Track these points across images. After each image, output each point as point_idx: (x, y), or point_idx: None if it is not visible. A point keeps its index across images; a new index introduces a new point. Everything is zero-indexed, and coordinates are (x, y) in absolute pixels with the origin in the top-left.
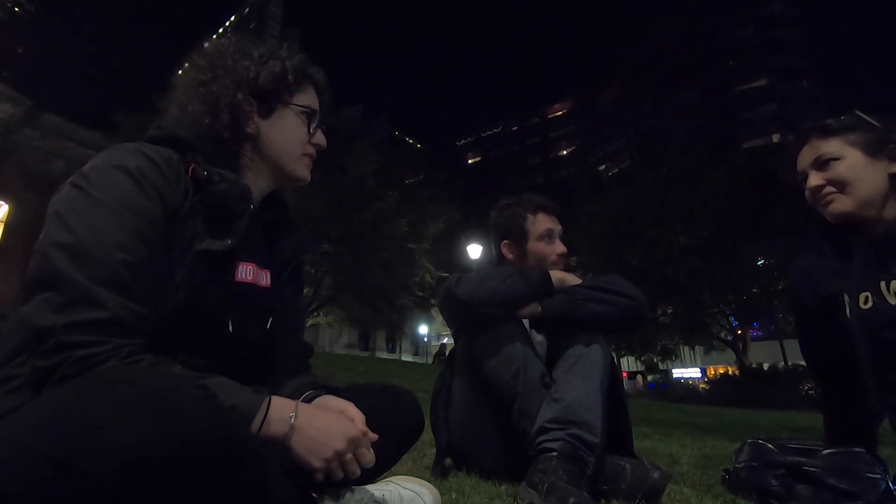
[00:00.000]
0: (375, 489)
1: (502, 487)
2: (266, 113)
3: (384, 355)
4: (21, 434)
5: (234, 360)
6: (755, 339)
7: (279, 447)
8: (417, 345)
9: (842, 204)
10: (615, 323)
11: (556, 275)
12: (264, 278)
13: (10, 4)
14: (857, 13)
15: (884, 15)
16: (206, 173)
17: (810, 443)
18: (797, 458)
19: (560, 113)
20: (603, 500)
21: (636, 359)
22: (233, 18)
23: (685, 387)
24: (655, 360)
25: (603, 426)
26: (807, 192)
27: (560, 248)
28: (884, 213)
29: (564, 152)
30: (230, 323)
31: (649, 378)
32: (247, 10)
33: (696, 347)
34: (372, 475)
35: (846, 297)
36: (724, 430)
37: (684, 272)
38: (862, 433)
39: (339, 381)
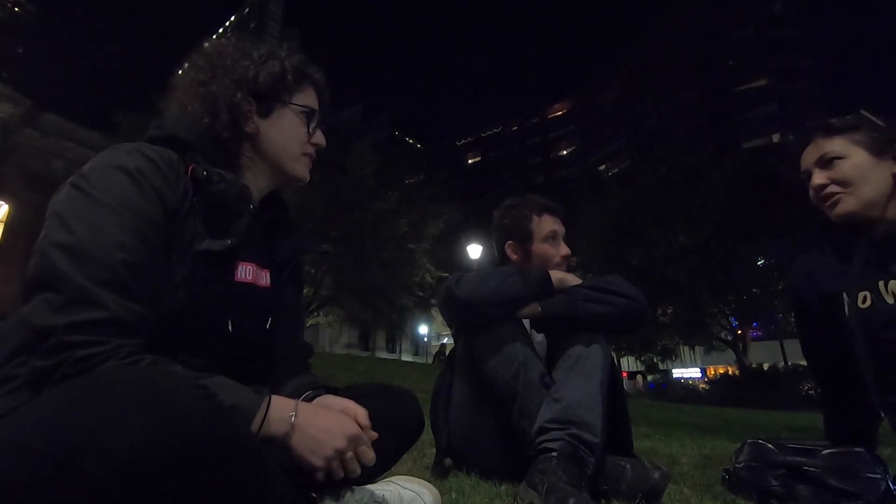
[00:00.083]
0: (375, 489)
1: (502, 487)
2: (265, 113)
3: (384, 355)
4: (21, 434)
5: (234, 359)
6: (755, 339)
7: (279, 447)
8: (417, 345)
9: (845, 204)
10: (615, 323)
11: (556, 275)
12: (264, 278)
13: (10, 4)
14: (857, 13)
15: (884, 15)
16: (205, 173)
17: (810, 443)
18: (797, 458)
19: (560, 113)
20: (603, 501)
21: (636, 359)
22: (233, 18)
23: (685, 387)
24: (655, 360)
25: (603, 426)
26: (810, 191)
27: (564, 249)
28: (886, 213)
29: (564, 152)
30: (230, 323)
31: (649, 378)
32: (247, 10)
33: (696, 347)
34: (372, 475)
35: (845, 297)
36: (724, 430)
37: (684, 272)
38: (862, 433)
39: (339, 381)
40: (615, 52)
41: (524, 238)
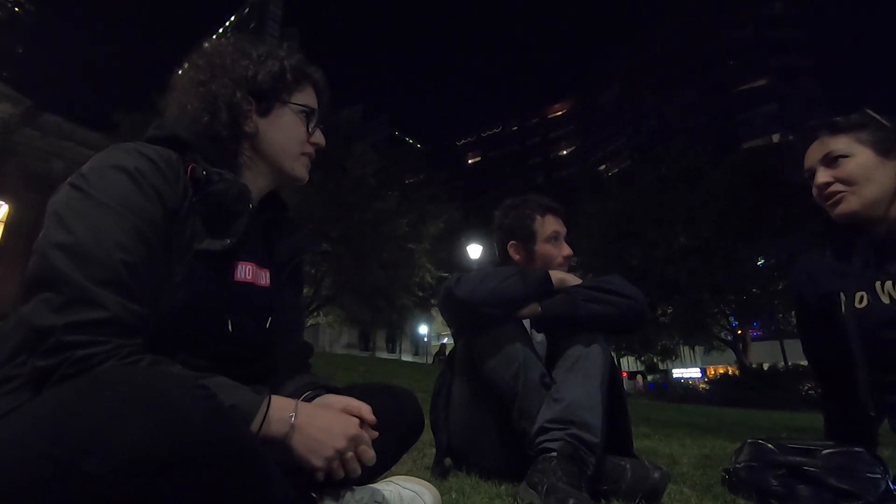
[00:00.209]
0: (375, 489)
1: (502, 487)
2: (264, 112)
3: (384, 355)
4: (21, 434)
5: (234, 359)
6: (755, 339)
7: (280, 447)
8: (417, 345)
9: (848, 203)
10: (615, 323)
11: (556, 275)
12: (264, 278)
13: (10, 4)
14: (857, 13)
15: (884, 15)
16: (205, 173)
17: (810, 443)
18: (797, 458)
19: (560, 113)
20: (603, 501)
21: (636, 359)
22: (233, 18)
23: (685, 387)
24: (655, 360)
25: (603, 426)
26: (814, 190)
27: (566, 250)
28: (888, 213)
29: (564, 152)
30: (230, 322)
31: (649, 378)
32: (247, 10)
33: (696, 347)
34: (372, 475)
35: (842, 297)
36: (724, 430)
37: (684, 272)
38: (862, 433)
39: (339, 381)
40: (615, 52)
41: (527, 238)
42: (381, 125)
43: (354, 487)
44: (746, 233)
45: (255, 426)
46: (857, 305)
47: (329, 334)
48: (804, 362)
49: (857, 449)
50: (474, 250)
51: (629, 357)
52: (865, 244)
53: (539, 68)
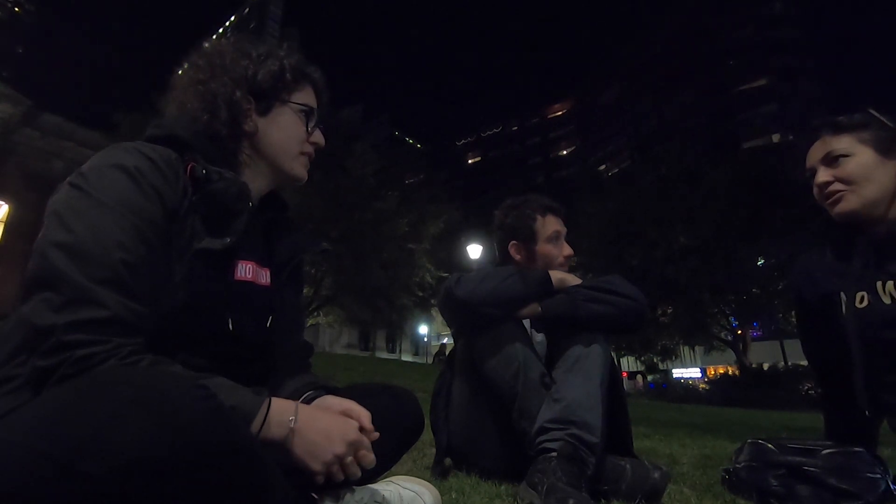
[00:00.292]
0: (376, 489)
1: (502, 487)
2: (264, 111)
3: (384, 355)
4: (21, 434)
5: (234, 359)
6: (755, 339)
7: (279, 449)
8: (417, 345)
9: (848, 202)
10: (615, 323)
11: (556, 275)
12: (264, 277)
13: (10, 4)
14: (857, 13)
15: (884, 15)
16: (204, 172)
17: (810, 443)
18: (797, 458)
19: (560, 113)
20: (603, 501)
21: (636, 359)
22: (233, 18)
23: (685, 387)
24: (655, 360)
25: (603, 426)
26: (814, 189)
27: (567, 250)
28: (889, 213)
29: (564, 152)
30: (230, 321)
31: (649, 378)
32: (247, 10)
33: (696, 347)
34: (372, 475)
35: (843, 297)
36: (724, 430)
37: (684, 272)
38: (862, 433)
39: (339, 381)
40: (615, 52)
41: (528, 238)
42: (381, 125)
43: (354, 488)
44: (746, 233)
45: (254, 428)
46: (858, 305)
47: (329, 334)
48: (804, 362)
49: (857, 449)
50: (474, 250)
51: (629, 357)
52: (866, 244)
53: (539, 68)
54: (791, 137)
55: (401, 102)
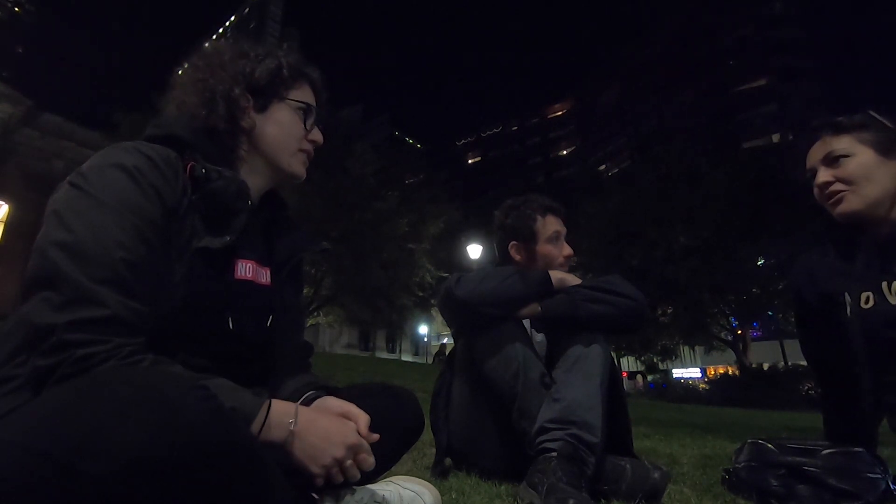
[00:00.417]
0: (376, 489)
1: (502, 487)
2: (262, 108)
3: (384, 355)
4: (21, 434)
5: (234, 359)
6: (755, 339)
7: (279, 450)
8: (417, 345)
9: (849, 203)
10: (615, 323)
11: (556, 275)
12: (264, 276)
13: (10, 4)
14: (857, 13)
15: (884, 15)
16: (203, 171)
17: (810, 443)
18: (797, 458)
19: (560, 113)
20: (603, 501)
21: (636, 359)
22: (233, 18)
23: (685, 387)
24: (655, 360)
25: (603, 426)
26: (815, 189)
27: (567, 250)
28: (891, 214)
29: (564, 152)
30: (230, 320)
31: (649, 378)
32: (247, 10)
33: (696, 347)
34: (372, 475)
35: (847, 297)
36: (724, 430)
37: (684, 272)
38: (862, 433)
39: (339, 381)
40: (615, 52)
41: (528, 239)
42: (381, 125)
43: (354, 488)
44: (746, 233)
45: (254, 430)
46: (863, 306)
47: (329, 334)
48: (804, 362)
49: (857, 449)
50: (474, 250)
51: (629, 357)
52: (869, 244)
53: (539, 68)
54: (791, 137)
55: (401, 102)
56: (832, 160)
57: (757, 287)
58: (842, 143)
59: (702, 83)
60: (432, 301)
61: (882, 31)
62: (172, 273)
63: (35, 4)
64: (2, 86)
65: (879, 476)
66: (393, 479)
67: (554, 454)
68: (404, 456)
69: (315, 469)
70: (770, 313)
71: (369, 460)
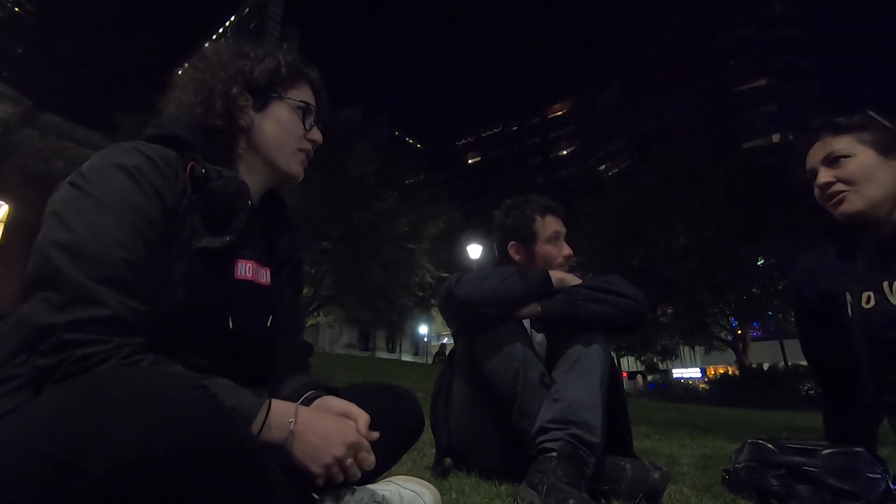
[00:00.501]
0: (376, 489)
1: (502, 487)
2: (260, 107)
3: (384, 355)
4: (21, 434)
5: (235, 359)
6: (755, 339)
7: (279, 450)
8: (417, 345)
9: (850, 203)
10: (615, 323)
11: (556, 275)
12: (264, 276)
13: (10, 4)
14: (857, 13)
15: (884, 15)
16: (203, 171)
17: (810, 443)
18: (797, 458)
19: (560, 113)
20: (603, 501)
21: (636, 359)
22: (233, 18)
23: (685, 387)
24: (655, 360)
25: (603, 426)
26: (816, 190)
27: (566, 250)
28: (892, 214)
29: (564, 152)
30: (230, 320)
31: (649, 378)
32: (247, 10)
33: (696, 347)
34: (372, 475)
35: (848, 296)
36: (724, 430)
37: (684, 272)
38: (862, 433)
39: (339, 381)
40: (615, 52)
41: (527, 239)
42: (381, 125)
43: (355, 488)
44: (746, 233)
45: (254, 430)
46: (865, 305)
47: (329, 334)
48: (804, 362)
49: (857, 449)
50: (474, 250)
51: (629, 357)
52: (870, 244)
53: (539, 68)
54: (791, 137)
55: (401, 102)
56: (832, 161)
57: (757, 287)
58: (842, 144)
59: (702, 83)
60: (432, 301)
61: (882, 31)
62: (172, 273)
63: (35, 4)
64: (2, 86)
65: (879, 476)
66: (393, 479)
67: (554, 454)
68: (404, 456)
69: (315, 469)
70: (770, 313)
71: (369, 459)
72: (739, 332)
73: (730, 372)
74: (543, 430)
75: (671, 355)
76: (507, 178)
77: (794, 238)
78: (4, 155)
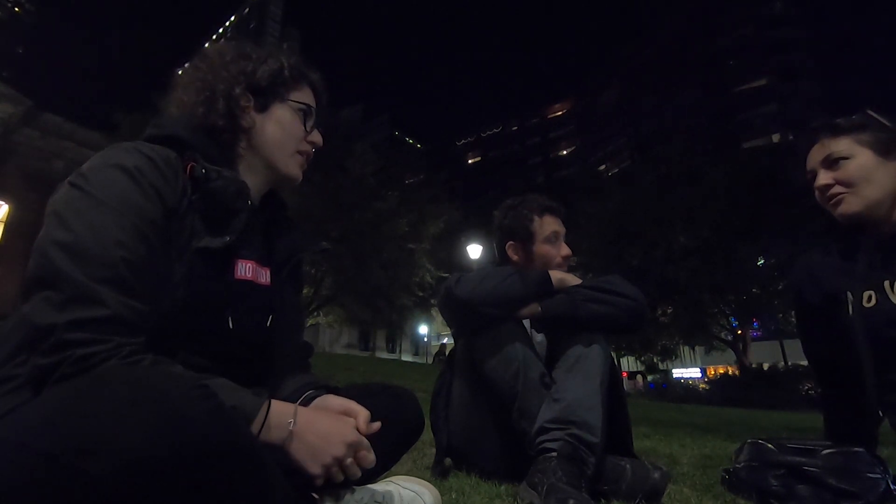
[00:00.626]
0: (376, 489)
1: (502, 487)
2: (262, 108)
3: (384, 355)
4: (21, 434)
5: (234, 359)
6: (755, 339)
7: (279, 450)
8: (417, 345)
9: (849, 204)
10: (615, 323)
11: (556, 275)
12: (264, 276)
13: (10, 4)
14: (857, 13)
15: (884, 15)
16: (203, 171)
17: (810, 443)
18: (797, 458)
19: (560, 113)
20: (603, 501)
21: (636, 359)
22: (233, 18)
23: (685, 387)
24: (655, 360)
25: (603, 426)
26: (815, 191)
27: (565, 250)
28: (892, 214)
29: (564, 152)
30: (230, 320)
31: (649, 378)
32: (247, 10)
33: (696, 347)
34: (372, 475)
35: (849, 296)
36: (724, 430)
37: (684, 272)
38: (862, 433)
39: (339, 381)
40: (615, 52)
41: (526, 239)
42: (381, 125)
43: (354, 488)
44: (746, 233)
45: (254, 430)
46: (866, 305)
47: (329, 334)
48: (804, 362)
49: (857, 449)
50: (474, 250)
51: (629, 357)
52: (870, 244)
53: (539, 68)
54: (791, 138)
55: (401, 102)
56: (832, 162)
57: (757, 287)
58: (841, 146)
59: (702, 83)
60: (432, 301)
61: (882, 31)
62: (172, 273)
63: (35, 4)
64: (2, 86)
65: (879, 476)
66: (393, 479)
67: (554, 454)
68: (404, 456)
69: (315, 468)
70: (770, 313)
71: (370, 458)
72: (739, 332)
73: (730, 372)
74: (543, 430)
75: (671, 355)
76: (507, 178)
77: (794, 238)
78: (4, 155)
